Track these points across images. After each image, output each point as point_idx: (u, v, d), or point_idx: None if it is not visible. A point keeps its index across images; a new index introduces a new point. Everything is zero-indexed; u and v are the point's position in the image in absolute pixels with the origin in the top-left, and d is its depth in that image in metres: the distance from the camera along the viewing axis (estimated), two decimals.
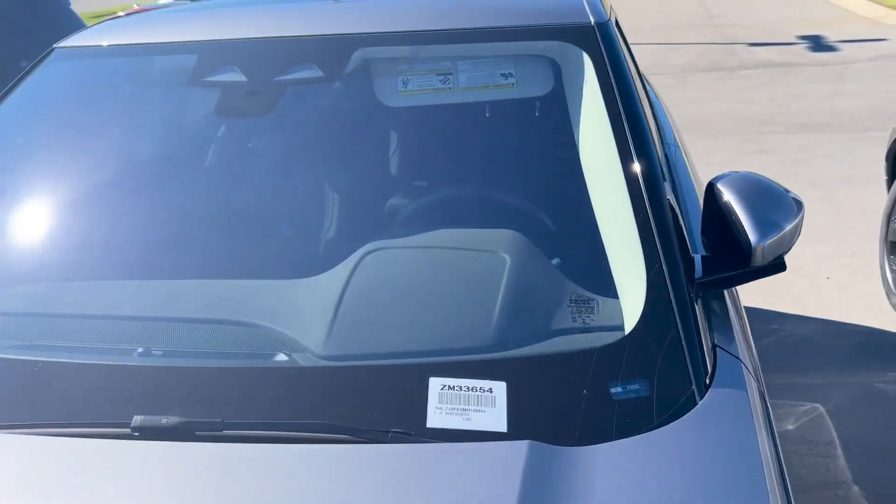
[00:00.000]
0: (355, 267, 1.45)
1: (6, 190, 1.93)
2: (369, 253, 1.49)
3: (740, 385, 1.25)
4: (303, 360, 1.29)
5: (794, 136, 6.94)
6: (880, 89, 8.40)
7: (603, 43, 1.75)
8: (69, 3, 4.64)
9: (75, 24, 4.69)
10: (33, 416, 1.21)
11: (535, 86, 1.87)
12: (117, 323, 1.44)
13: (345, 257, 1.57)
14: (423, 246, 1.54)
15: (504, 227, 1.63)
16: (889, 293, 3.97)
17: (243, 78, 1.81)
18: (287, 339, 1.34)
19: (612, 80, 1.66)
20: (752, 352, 1.45)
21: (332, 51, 1.82)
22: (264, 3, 2.33)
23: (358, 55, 1.83)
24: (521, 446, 1.09)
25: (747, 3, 14.38)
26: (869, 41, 11.36)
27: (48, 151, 2.06)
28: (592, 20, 1.82)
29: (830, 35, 11.86)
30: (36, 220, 1.81)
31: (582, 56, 1.76)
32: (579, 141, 1.73)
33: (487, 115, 1.89)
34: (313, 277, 1.50)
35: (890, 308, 3.95)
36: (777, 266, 1.47)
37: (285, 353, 1.31)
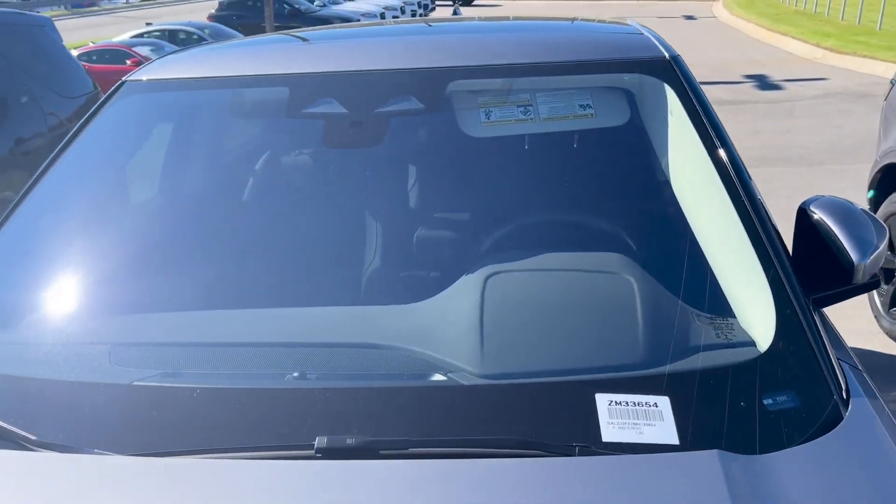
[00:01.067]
0: (483, 289, 1.48)
1: (122, 222, 1.92)
2: (493, 275, 1.52)
3: (870, 393, 1.33)
4: (464, 380, 1.30)
5: (757, 171, 7.23)
6: (830, 125, 8.83)
7: (682, 74, 1.85)
8: (61, 40, 4.58)
9: (70, 61, 4.63)
10: (214, 442, 1.19)
11: (613, 116, 1.95)
12: (270, 349, 1.43)
13: (449, 283, 1.60)
14: (544, 269, 1.58)
15: (604, 251, 1.69)
16: (878, 316, 4.16)
17: (343, 110, 1.84)
18: (438, 360, 1.36)
19: (698, 108, 1.76)
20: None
21: (423, 84, 1.86)
22: (331, 38, 2.37)
23: (450, 88, 1.88)
24: (712, 456, 1.13)
25: (690, 45, 14.96)
26: (811, 80, 11.94)
27: (150, 183, 2.05)
28: (667, 54, 1.92)
29: (774, 74, 12.43)
30: (164, 251, 1.80)
31: (663, 87, 1.85)
32: (669, 166, 1.80)
33: (570, 143, 1.95)
34: (437, 299, 1.52)
35: (880, 330, 4.13)
36: (873, 283, 1.56)
37: (443, 374, 1.33)
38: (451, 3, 36.63)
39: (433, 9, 30.85)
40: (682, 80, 1.85)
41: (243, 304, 1.63)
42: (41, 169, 1.91)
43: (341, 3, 25.07)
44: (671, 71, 1.88)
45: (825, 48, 14.71)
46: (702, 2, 35.65)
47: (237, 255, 1.79)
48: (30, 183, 1.88)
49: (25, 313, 1.63)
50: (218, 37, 16.25)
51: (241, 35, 17.36)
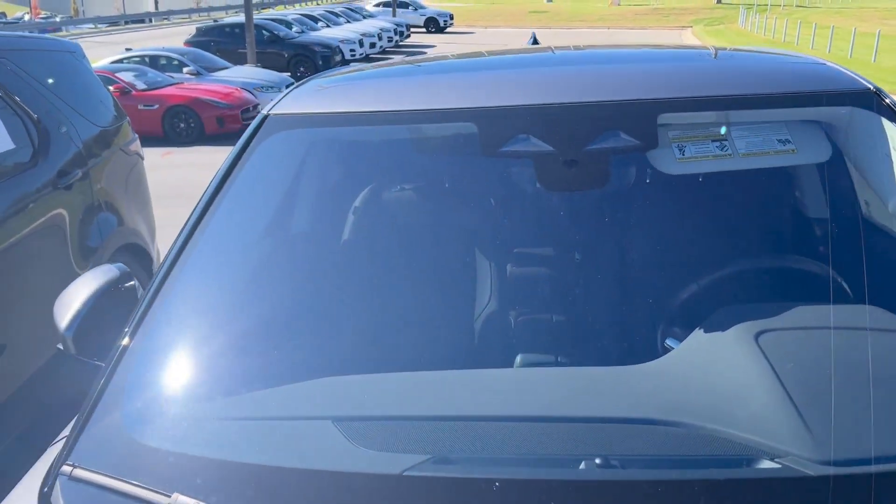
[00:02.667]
0: (761, 351, 1.28)
1: (299, 276, 1.71)
2: (764, 333, 1.32)
3: None
4: (806, 468, 1.10)
5: None
6: None
7: (894, 106, 1.71)
8: (90, 66, 4.32)
9: (99, 88, 4.37)
10: None
11: (814, 151, 1.79)
12: (537, 425, 1.21)
13: (668, 338, 1.41)
14: (820, 326, 1.39)
15: (828, 300, 1.52)
16: None
17: (549, 147, 1.64)
18: (753, 442, 1.16)
19: None
20: None
21: (630, 118, 1.68)
22: (494, 66, 2.17)
23: (661, 122, 1.70)
24: None
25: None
26: None
27: (319, 231, 1.84)
28: (870, 86, 1.78)
29: None
30: (353, 307, 1.58)
31: (878, 120, 1.71)
32: (890, 204, 1.66)
33: (773, 180, 1.79)
34: (682, 360, 1.33)
35: None
36: None
37: (775, 460, 1.13)
38: (423, 29, 36.74)
39: (408, 35, 30.85)
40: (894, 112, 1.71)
41: (470, 364, 1.42)
42: (196, 216, 1.68)
43: (319, 30, 24.92)
44: (879, 103, 1.74)
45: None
46: (672, 31, 36.29)
47: (445, 309, 1.58)
48: (186, 233, 1.65)
49: (228, 389, 1.40)
50: (199, 62, 15.93)
51: (223, 61, 17.09)
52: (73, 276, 3.80)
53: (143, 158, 4.70)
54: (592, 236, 1.73)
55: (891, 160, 1.69)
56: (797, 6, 48.40)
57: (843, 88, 1.78)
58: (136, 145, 4.64)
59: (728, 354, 1.33)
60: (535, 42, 3.36)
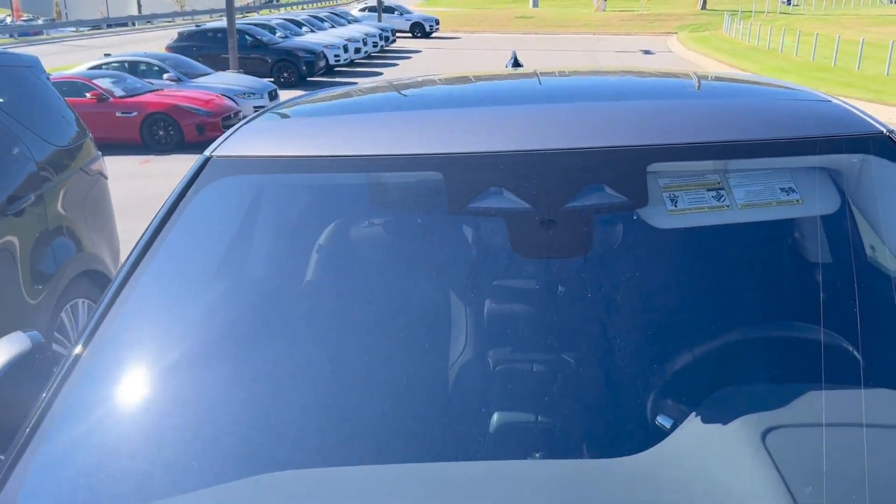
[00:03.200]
0: (769, 455, 1.10)
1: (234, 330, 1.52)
2: (772, 431, 1.14)
3: None
4: None
5: None
6: None
7: None
8: (50, 81, 4.09)
9: (59, 105, 4.14)
10: None
11: (821, 201, 1.61)
12: None
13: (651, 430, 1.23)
14: (839, 423, 1.21)
15: (857, 382, 1.34)
16: None
17: (525, 204, 1.45)
18: None
19: None
20: None
21: (616, 168, 1.48)
22: (466, 102, 1.95)
23: (650, 171, 1.51)
24: None
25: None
26: None
27: (275, 275, 1.65)
28: (883, 129, 1.60)
29: None
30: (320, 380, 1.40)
31: (893, 168, 1.53)
32: None
33: (776, 235, 1.60)
34: (661, 456, 1.14)
35: None
36: None
37: None
38: (409, 34, 36.53)
39: (393, 40, 30.64)
40: None
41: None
42: (130, 263, 1.49)
43: (303, 35, 24.66)
44: (895, 148, 1.56)
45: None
46: (657, 37, 36.26)
47: (417, 357, 1.40)
48: (117, 284, 1.46)
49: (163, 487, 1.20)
50: (179, 68, 15.66)
51: (205, 67, 16.79)
52: (23, 308, 3.61)
53: (106, 178, 4.47)
54: (573, 301, 1.53)
55: None
56: (780, 13, 48.58)
57: (855, 132, 1.60)
58: (100, 164, 4.42)
59: (730, 455, 1.14)
60: (517, 63, 3.16)
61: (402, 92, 2.07)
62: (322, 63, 21.81)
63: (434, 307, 1.61)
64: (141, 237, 1.58)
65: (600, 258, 1.57)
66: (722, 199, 1.58)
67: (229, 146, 1.66)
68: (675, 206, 1.57)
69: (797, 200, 1.59)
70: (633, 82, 2.26)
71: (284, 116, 1.87)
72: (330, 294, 1.74)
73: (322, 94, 2.16)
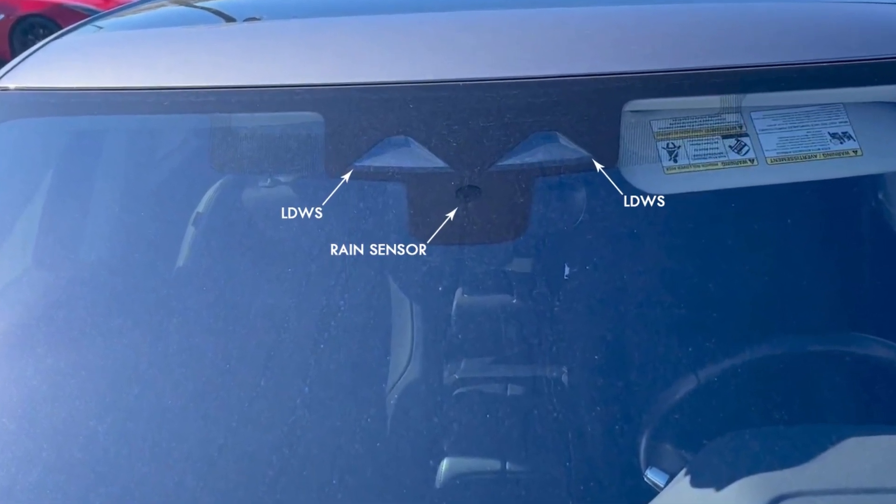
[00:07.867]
0: None
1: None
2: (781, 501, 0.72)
3: None
4: None
5: None
6: None
7: None
8: None
9: None
10: None
11: (891, 153, 1.11)
12: None
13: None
14: (857, 489, 0.79)
15: None
16: None
17: (441, 163, 0.95)
18: None
19: None
20: None
21: (576, 108, 0.99)
22: (360, 8, 1.40)
23: (625, 111, 1.01)
24: None
25: None
26: None
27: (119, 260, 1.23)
28: None
29: None
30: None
31: None
32: None
33: (824, 202, 1.12)
34: None
35: None
36: None
37: None
38: None
39: None
40: None
41: None
42: None
43: None
44: None
45: None
46: None
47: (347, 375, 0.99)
48: None
49: None
50: None
51: None
52: None
53: None
54: (544, 306, 1.07)
55: None
56: None
57: None
58: None
59: None
60: None
61: None
62: None
63: (366, 307, 1.16)
64: None
65: (547, 244, 1.08)
66: (744, 150, 1.09)
67: (25, 73, 1.17)
68: (675, 162, 1.07)
69: (855, 151, 1.10)
70: None
71: (117, 28, 1.37)
72: (211, 286, 1.28)
73: None
